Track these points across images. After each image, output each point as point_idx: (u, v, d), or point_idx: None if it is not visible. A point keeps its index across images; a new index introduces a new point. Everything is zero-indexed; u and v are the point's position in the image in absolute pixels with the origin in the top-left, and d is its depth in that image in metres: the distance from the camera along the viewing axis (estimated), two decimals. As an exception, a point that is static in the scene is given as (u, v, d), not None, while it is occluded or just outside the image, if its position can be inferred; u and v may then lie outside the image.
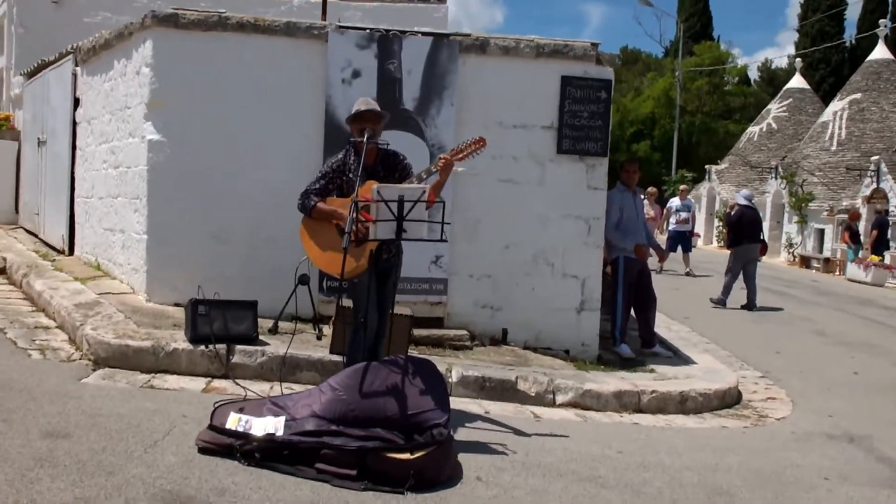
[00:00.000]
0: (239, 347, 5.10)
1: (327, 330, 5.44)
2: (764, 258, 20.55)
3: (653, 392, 5.51)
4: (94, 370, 4.78)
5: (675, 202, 15.54)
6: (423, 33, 6.22)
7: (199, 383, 4.80)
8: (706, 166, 28.24)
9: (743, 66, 40.94)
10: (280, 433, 3.59)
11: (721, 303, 10.93)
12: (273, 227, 5.89)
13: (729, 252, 11.41)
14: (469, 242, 6.35)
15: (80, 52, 7.55)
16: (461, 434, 4.23)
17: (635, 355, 6.76)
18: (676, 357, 7.03)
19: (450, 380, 5.25)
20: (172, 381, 4.79)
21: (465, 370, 5.33)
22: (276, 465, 3.38)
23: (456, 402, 4.98)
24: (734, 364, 7.30)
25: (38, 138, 9.15)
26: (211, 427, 3.55)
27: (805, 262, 20.09)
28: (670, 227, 15.08)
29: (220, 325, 5.10)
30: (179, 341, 5.05)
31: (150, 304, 6.01)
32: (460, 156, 4.34)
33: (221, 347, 5.04)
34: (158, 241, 6.04)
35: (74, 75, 7.78)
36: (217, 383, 4.84)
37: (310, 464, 3.39)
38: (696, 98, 37.52)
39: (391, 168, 4.48)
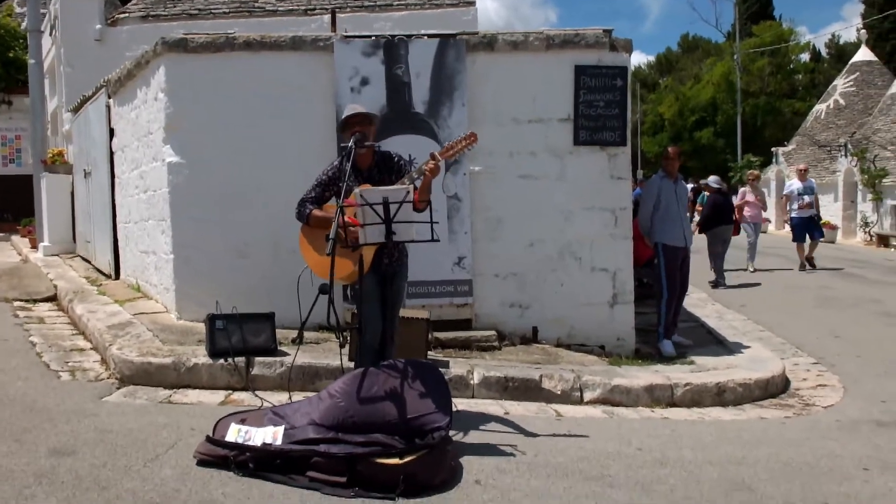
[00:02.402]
0: (258, 359, 5.14)
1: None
2: (839, 239, 19.66)
3: (687, 385, 5.28)
4: (119, 388, 4.89)
5: (794, 185, 13.42)
6: (429, 35, 6.17)
7: (218, 396, 4.85)
8: (773, 149, 27.19)
9: (806, 44, 39.37)
10: (278, 442, 3.57)
11: (721, 284, 10.91)
12: (293, 239, 5.81)
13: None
14: (492, 241, 6.25)
15: (111, 85, 7.80)
16: (473, 436, 4.13)
17: (676, 353, 6.49)
18: (721, 347, 6.74)
19: (471, 381, 5.16)
20: (193, 395, 4.86)
21: (487, 371, 5.22)
22: (269, 475, 3.36)
23: (477, 404, 4.92)
24: (787, 351, 6.95)
25: (84, 170, 9.51)
26: (208, 439, 3.56)
27: (883, 240, 19.03)
28: (793, 214, 13.16)
29: (238, 339, 5.15)
30: (200, 356, 5.12)
31: (180, 321, 6.13)
32: (450, 153, 4.26)
33: (241, 360, 5.08)
34: (184, 260, 6.16)
35: (108, 107, 8.05)
36: (236, 396, 4.88)
37: (302, 472, 3.35)
38: (758, 80, 36.29)
39: (387, 170, 4.43)
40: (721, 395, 5.29)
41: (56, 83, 12.03)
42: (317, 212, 4.34)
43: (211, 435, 3.66)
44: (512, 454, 3.84)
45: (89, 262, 9.76)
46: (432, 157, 4.19)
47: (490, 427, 4.35)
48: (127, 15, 11.54)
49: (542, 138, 6.23)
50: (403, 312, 5.30)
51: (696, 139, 36.37)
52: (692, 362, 6.03)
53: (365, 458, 3.31)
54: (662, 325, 6.61)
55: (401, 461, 3.28)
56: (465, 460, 3.69)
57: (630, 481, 3.55)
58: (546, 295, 6.28)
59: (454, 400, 4.96)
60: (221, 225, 6.08)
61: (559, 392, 5.17)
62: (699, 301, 9.49)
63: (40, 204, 11.25)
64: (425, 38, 6.15)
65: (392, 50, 6.08)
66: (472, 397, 5.12)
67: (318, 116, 6.04)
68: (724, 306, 9.25)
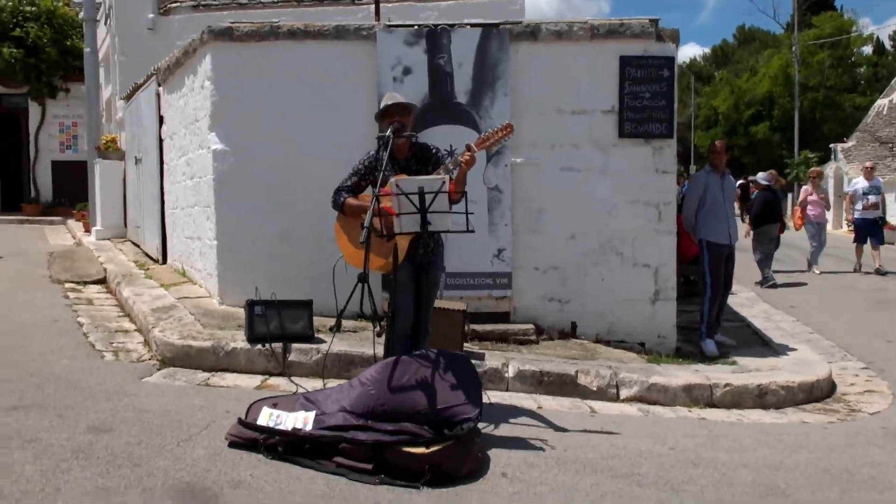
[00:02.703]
0: (295, 346, 5.19)
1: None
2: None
3: (727, 385, 5.15)
4: (159, 370, 4.99)
5: (859, 183, 12.51)
6: (472, 25, 6.12)
7: (254, 381, 4.92)
8: (831, 145, 26.36)
9: (869, 35, 38.02)
10: (308, 427, 3.60)
11: (769, 280, 10.57)
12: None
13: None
14: (533, 234, 6.19)
15: (160, 73, 7.96)
16: (503, 429, 4.11)
17: (719, 353, 6.35)
18: (766, 348, 6.57)
19: (506, 375, 5.13)
20: (230, 378, 4.94)
21: (522, 365, 5.18)
22: (298, 459, 3.39)
23: (511, 398, 4.89)
24: (835, 355, 6.74)
25: (136, 156, 9.73)
26: (240, 422, 3.61)
27: (954, 241, 18.29)
28: (856, 215, 12.36)
29: (276, 325, 5.21)
30: (238, 341, 5.19)
31: (222, 306, 6.23)
32: (486, 144, 4.21)
33: (278, 346, 5.15)
34: (227, 247, 6.25)
35: (158, 95, 8.22)
36: (272, 381, 4.94)
37: (329, 457, 3.37)
38: (817, 73, 35.22)
39: (424, 161, 4.40)
40: (762, 398, 5.16)
41: (110, 71, 12.34)
42: (352, 200, 4.35)
43: (243, 418, 3.71)
44: (541, 448, 3.80)
45: (139, 246, 10.01)
46: (468, 148, 4.16)
47: (521, 421, 4.32)
48: (178, 4, 11.75)
49: (585, 130, 6.15)
50: (440, 303, 5.32)
51: (752, 134, 35.47)
52: (734, 363, 5.89)
53: (392, 445, 3.31)
54: (705, 324, 6.47)
55: (427, 451, 3.28)
56: (494, 453, 3.66)
57: (660, 481, 3.48)
58: (586, 289, 6.21)
59: (488, 392, 4.98)
60: (264, 212, 6.15)
61: (595, 388, 5.10)
62: (747, 301, 9.27)
63: (93, 189, 11.58)
64: (468, 27, 6.11)
65: (435, 39, 6.05)
66: (507, 390, 5.09)
67: (360, 105, 6.05)
68: (772, 307, 9.01)
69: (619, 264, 6.20)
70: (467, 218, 4.04)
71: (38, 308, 6.42)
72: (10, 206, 16.76)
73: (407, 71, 6.10)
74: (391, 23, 6.31)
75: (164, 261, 8.47)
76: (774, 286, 10.45)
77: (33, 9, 15.80)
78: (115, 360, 5.14)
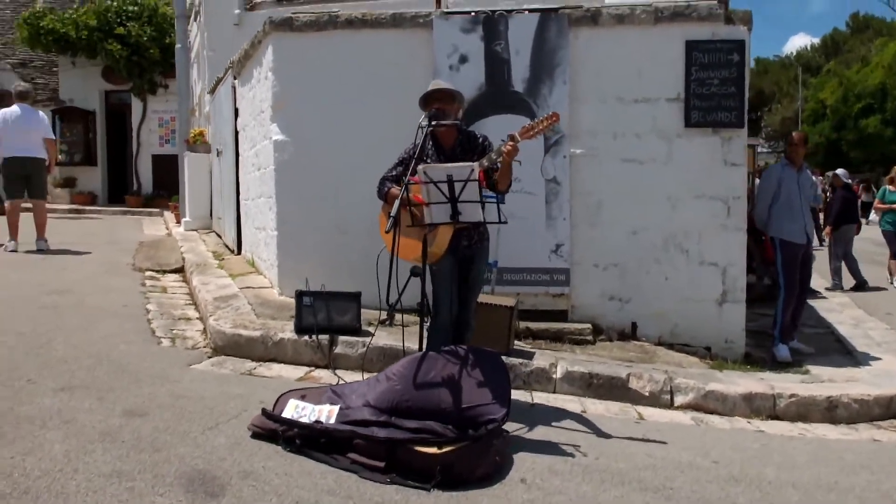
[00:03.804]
0: (342, 338, 5.18)
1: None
2: None
3: (792, 396, 4.78)
4: (210, 357, 5.09)
5: None
6: (530, 10, 5.93)
7: (299, 372, 4.94)
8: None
9: None
10: (331, 421, 3.56)
11: (838, 287, 10.01)
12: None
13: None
14: (592, 229, 5.97)
15: (234, 66, 8.15)
16: (538, 432, 3.95)
17: (792, 360, 5.93)
18: (846, 357, 6.09)
19: (553, 375, 4.95)
20: (276, 369, 4.98)
21: (571, 366, 4.98)
22: (313, 453, 3.35)
23: (556, 399, 4.72)
24: (930, 367, 6.16)
25: (217, 149, 10.05)
26: (263, 412, 3.61)
27: None
28: None
29: (323, 317, 5.22)
30: (287, 331, 5.23)
31: (281, 297, 6.32)
32: (531, 133, 4.03)
33: (325, 338, 5.15)
34: (287, 236, 6.33)
35: (233, 87, 8.42)
36: (317, 373, 4.95)
37: (344, 453, 3.32)
38: (937, 62, 32.61)
39: (471, 149, 4.26)
40: (832, 411, 4.76)
41: (201, 67, 12.78)
42: (394, 189, 4.27)
43: (271, 409, 3.71)
44: (571, 454, 3.62)
45: (220, 237, 10.33)
46: (511, 137, 4.00)
47: (560, 424, 4.14)
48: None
49: (648, 119, 5.87)
50: (488, 298, 5.20)
51: (862, 128, 33.19)
52: (807, 371, 5.49)
53: (404, 444, 3.23)
54: (778, 329, 6.07)
55: (439, 451, 3.17)
56: (520, 456, 3.52)
57: (692, 496, 3.24)
58: (648, 288, 5.93)
59: (533, 393, 4.84)
60: (322, 202, 6.19)
61: (647, 393, 4.85)
62: (837, 305, 8.66)
63: (183, 182, 12.05)
64: (526, 12, 5.93)
65: (492, 26, 5.91)
66: (554, 392, 4.91)
67: (415, 95, 5.83)
68: (865, 313, 8.37)
69: (683, 262, 5.89)
70: (499, 209, 3.90)
71: (114, 294, 6.69)
72: (116, 198, 17.74)
73: (463, 59, 5.99)
74: (448, 9, 6.20)
75: (239, 251, 8.70)
76: (840, 289, 9.87)
77: (136, 8, 16.60)
78: (170, 347, 5.28)
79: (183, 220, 11.94)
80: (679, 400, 4.83)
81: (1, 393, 3.98)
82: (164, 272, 8.16)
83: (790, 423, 4.65)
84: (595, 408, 4.63)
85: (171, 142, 16.66)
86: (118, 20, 16.44)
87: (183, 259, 8.61)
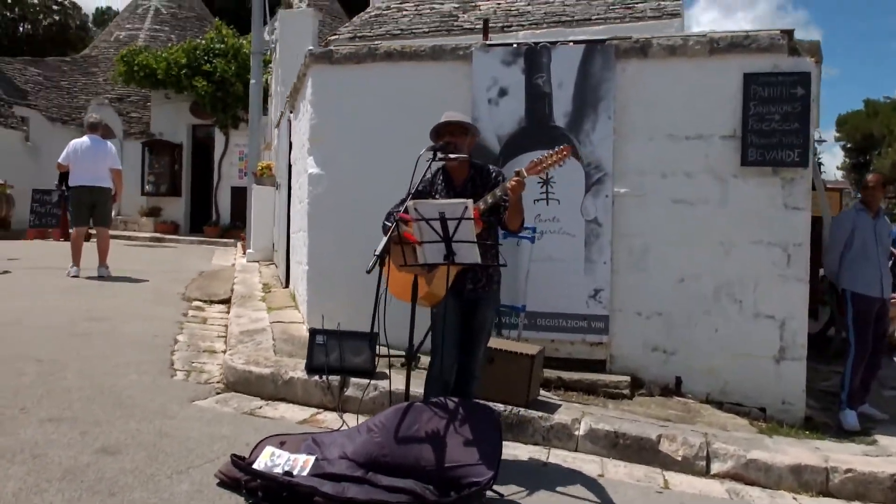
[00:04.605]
0: (353, 380, 4.91)
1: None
2: None
3: (849, 471, 4.16)
4: (218, 393, 4.93)
5: None
6: (575, 41, 5.62)
7: (304, 413, 4.70)
8: None
9: None
10: (305, 472, 3.28)
11: None
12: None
13: None
14: (636, 274, 5.52)
15: (289, 99, 8.17)
16: (538, 498, 3.53)
17: (861, 427, 5.26)
18: (928, 427, 5.35)
19: (576, 433, 4.50)
20: (282, 409, 4.76)
21: (596, 423, 4.52)
22: (272, 509, 3.08)
23: (574, 460, 4.29)
24: None
25: (277, 182, 10.10)
26: (232, 459, 3.36)
27: None
28: None
29: (336, 357, 4.98)
30: (298, 371, 5.01)
31: (307, 333, 6.12)
32: (538, 168, 3.71)
33: (335, 379, 4.90)
34: (317, 271, 6.17)
35: (289, 121, 8.44)
36: (322, 416, 4.70)
37: (304, 511, 3.03)
38: None
39: (483, 185, 3.95)
40: (898, 491, 4.12)
41: (276, 102, 13.03)
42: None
43: (247, 455, 3.47)
44: (566, 528, 3.19)
45: (277, 269, 10.35)
46: (516, 173, 3.69)
47: (567, 489, 3.70)
48: (337, 37, 12.17)
49: (701, 157, 5.41)
50: (509, 346, 4.85)
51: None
52: (874, 442, 4.82)
53: (363, 507, 2.90)
54: (846, 392, 5.40)
55: (398, 519, 2.82)
56: (506, 527, 3.13)
57: (697, 590, 2.76)
58: (697, 341, 5.41)
59: (552, 451, 4.43)
60: (353, 237, 5.97)
61: (679, 458, 4.33)
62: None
63: (249, 214, 12.22)
64: (570, 44, 5.61)
65: (533, 58, 5.63)
66: (576, 450, 4.46)
67: None
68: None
69: (736, 313, 5.35)
70: (496, 251, 3.57)
71: (151, 323, 6.68)
72: (197, 228, 18.29)
73: (503, 92, 5.72)
74: (490, 42, 5.96)
75: (287, 284, 8.64)
76: None
77: (222, 46, 17.23)
78: (182, 380, 5.15)
79: (247, 251, 12.08)
80: (716, 467, 4.29)
81: (-11, 421, 3.91)
82: (212, 302, 8.15)
83: (846, 503, 4.03)
84: (616, 472, 4.16)
85: (248, 175, 17.05)
86: (206, 58, 17.09)
87: (231, 290, 8.61)
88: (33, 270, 9.52)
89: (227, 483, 3.28)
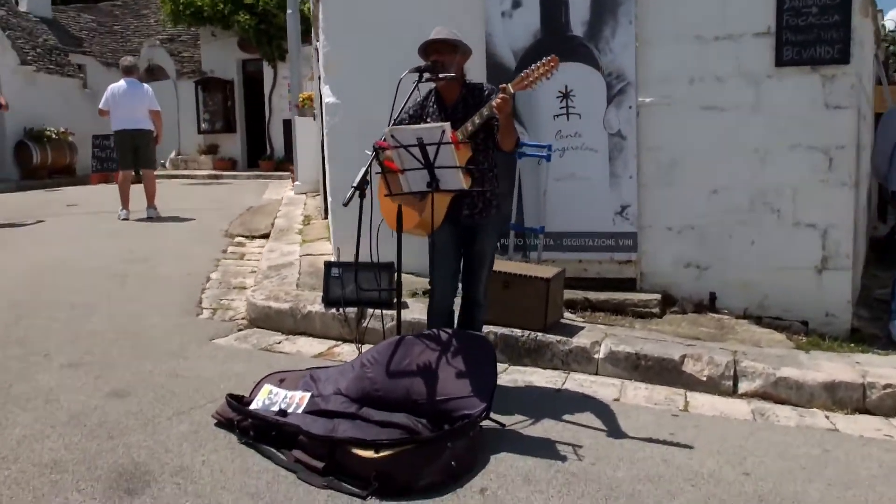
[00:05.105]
0: (371, 311, 4.87)
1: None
2: None
3: (888, 386, 3.90)
4: (239, 330, 4.98)
5: None
6: (589, -61, 5.18)
7: (321, 347, 4.71)
8: None
9: None
10: (300, 409, 3.27)
11: None
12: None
13: None
14: (665, 187, 5.23)
15: (313, 27, 7.94)
16: (542, 427, 3.44)
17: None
18: None
19: (595, 356, 4.36)
20: (301, 343, 4.78)
21: (617, 345, 4.36)
22: (262, 447, 3.08)
23: (592, 383, 4.18)
24: None
25: (314, 112, 9.98)
26: (227, 399, 3.38)
27: None
28: None
29: (352, 289, 4.93)
30: (316, 304, 5.00)
31: (335, 265, 6.10)
32: (525, 83, 3.45)
33: (353, 311, 4.87)
34: (339, 203, 6.07)
35: (316, 50, 8.24)
36: (340, 348, 4.70)
37: (291, 448, 3.01)
38: None
39: (475, 105, 3.72)
40: (942, 407, 3.83)
41: (317, 31, 12.79)
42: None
43: (246, 395, 3.48)
44: (563, 458, 3.09)
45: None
46: (502, 89, 3.44)
47: (576, 417, 3.59)
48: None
49: (732, 59, 4.99)
50: (524, 269, 4.70)
51: None
52: (923, 356, 4.49)
53: (342, 444, 2.86)
54: (896, 300, 5.04)
55: (376, 455, 2.77)
56: (500, 458, 3.05)
57: (689, 521, 2.63)
58: (731, 254, 5.13)
59: (572, 374, 4.32)
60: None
61: (704, 378, 4.15)
62: None
63: (294, 146, 12.19)
64: (585, -58, 5.19)
65: (546, -38, 5.24)
66: (596, 373, 4.34)
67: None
68: None
69: (774, 223, 5.02)
70: (483, 174, 3.38)
71: (187, 261, 6.79)
72: (254, 163, 18.48)
73: (516, 4, 5.39)
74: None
75: (326, 215, 8.61)
76: None
77: (264, -23, 16.95)
78: (207, 319, 5.22)
79: (295, 183, 12.12)
80: (744, 387, 4.10)
81: (13, 367, 4.05)
82: (253, 238, 8.23)
83: (882, 421, 3.79)
84: (635, 395, 4.02)
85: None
86: (246, -10, 16.88)
87: (272, 224, 8.66)
88: (87, 215, 9.81)
89: (223, 423, 3.30)
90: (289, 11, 12.42)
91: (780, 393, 4.02)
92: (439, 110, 3.78)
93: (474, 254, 3.79)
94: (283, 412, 3.25)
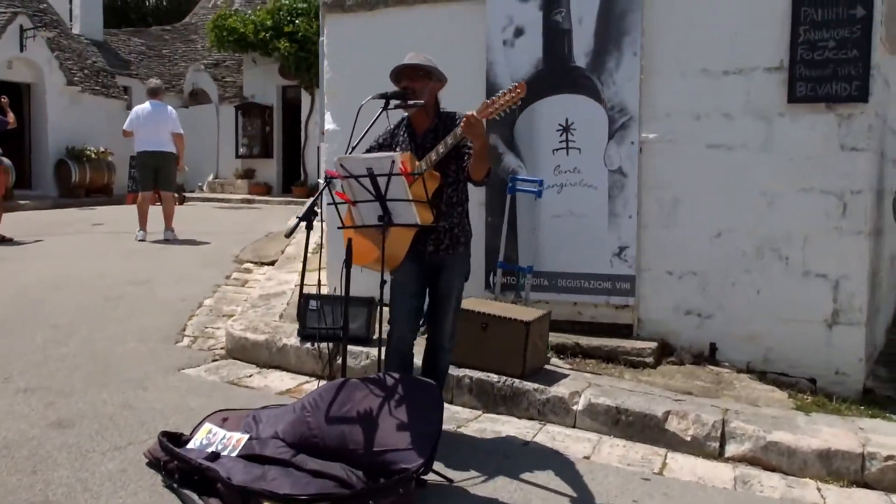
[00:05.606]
0: (349, 347, 4.66)
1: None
2: None
3: (890, 458, 3.52)
4: (213, 361, 4.83)
5: None
6: (594, -31, 4.99)
7: (292, 383, 4.53)
8: None
9: None
10: (235, 453, 3.07)
11: None
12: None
13: None
14: (666, 229, 4.93)
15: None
16: (492, 486, 3.17)
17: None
18: None
19: (575, 407, 4.07)
20: (272, 377, 4.61)
21: (597, 397, 4.06)
22: (183, 492, 2.89)
23: (565, 437, 3.91)
24: None
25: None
26: (159, 438, 3.20)
27: None
28: None
29: (331, 322, 4.74)
30: (293, 337, 4.83)
31: (327, 296, 5.94)
32: (490, 110, 3.24)
33: (326, 346, 4.68)
34: (333, 232, 5.93)
35: (330, 76, 8.18)
36: (310, 385, 4.48)
37: (210, 495, 2.81)
38: None
39: (446, 133, 3.53)
40: (952, 485, 3.44)
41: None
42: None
43: (187, 433, 3.30)
44: (505, 524, 2.82)
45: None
46: (466, 117, 3.24)
47: (536, 476, 3.31)
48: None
49: (741, 95, 4.70)
50: (505, 311, 4.46)
51: None
52: (940, 423, 4.08)
53: (256, 496, 2.65)
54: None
55: (287, 512, 2.55)
56: (435, 521, 2.80)
57: None
58: (735, 303, 4.79)
59: (547, 426, 4.07)
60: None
61: (688, 438, 3.82)
62: None
63: (318, 171, 12.16)
64: (590, -28, 4.99)
65: (551, -9, 5.06)
66: (574, 426, 4.04)
67: (467, 75, 5.20)
68: None
69: (781, 272, 4.67)
70: (463, 208, 3.20)
71: (186, 286, 6.71)
72: (289, 189, 18.60)
73: (519, 32, 5.20)
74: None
75: (336, 244, 8.50)
76: None
77: (305, 5, 17.18)
78: (185, 347, 5.10)
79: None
80: (731, 450, 3.75)
81: (-32, 390, 3.96)
82: (262, 264, 8.13)
83: (882, 496, 3.41)
84: (610, 453, 3.71)
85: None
86: (288, 17, 17.12)
87: (282, 252, 8.57)
88: (108, 235, 9.89)
89: (153, 463, 3.13)
90: (321, 39, 12.46)
91: (770, 459, 3.67)
92: (409, 139, 3.61)
93: (438, 294, 3.58)
94: (215, 455, 3.06)
